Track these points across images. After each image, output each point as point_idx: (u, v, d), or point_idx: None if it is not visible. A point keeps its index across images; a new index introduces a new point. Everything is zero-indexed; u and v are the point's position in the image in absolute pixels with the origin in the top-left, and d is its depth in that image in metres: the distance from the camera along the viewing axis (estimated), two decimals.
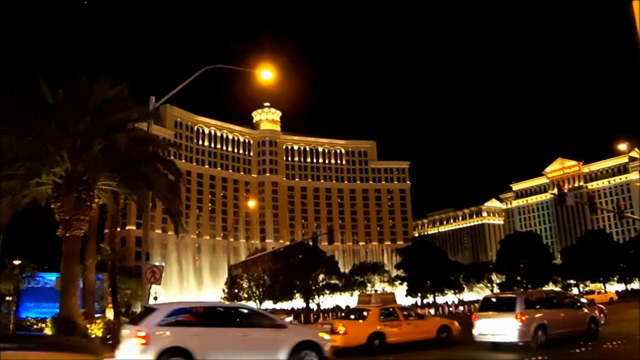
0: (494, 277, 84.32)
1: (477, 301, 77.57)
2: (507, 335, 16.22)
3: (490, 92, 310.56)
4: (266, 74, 21.49)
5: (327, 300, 73.75)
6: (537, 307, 17.06)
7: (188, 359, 10.44)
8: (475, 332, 17.37)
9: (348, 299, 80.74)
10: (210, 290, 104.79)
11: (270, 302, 69.36)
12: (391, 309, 18.96)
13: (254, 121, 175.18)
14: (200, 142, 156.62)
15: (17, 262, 54.97)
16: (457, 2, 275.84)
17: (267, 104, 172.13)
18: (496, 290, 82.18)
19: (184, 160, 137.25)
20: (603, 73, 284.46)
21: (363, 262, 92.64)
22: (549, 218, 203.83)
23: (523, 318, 16.01)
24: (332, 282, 73.52)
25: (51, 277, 34.08)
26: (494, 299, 19.41)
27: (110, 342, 17.46)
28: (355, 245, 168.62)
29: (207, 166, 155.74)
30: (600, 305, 25.86)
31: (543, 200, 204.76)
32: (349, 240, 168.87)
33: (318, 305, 70.93)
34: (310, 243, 66.14)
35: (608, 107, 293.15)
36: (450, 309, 73.64)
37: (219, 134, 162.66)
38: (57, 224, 18.46)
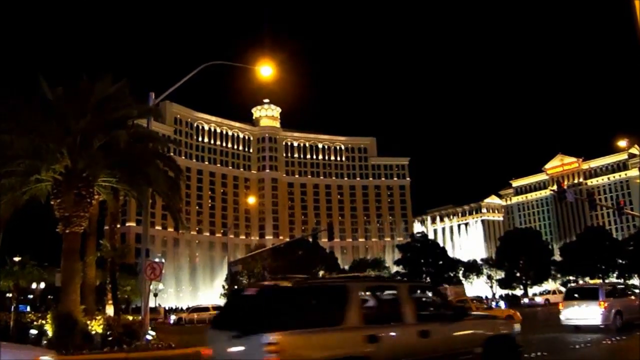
0: (493, 273, 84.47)
1: (476, 298, 78.03)
2: (591, 320, 18.93)
3: (490, 89, 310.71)
4: (266, 71, 21.45)
5: None
6: (613, 296, 19.77)
7: None
8: (562, 317, 20.12)
9: None
10: (210, 287, 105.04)
11: None
12: (465, 300, 21.07)
13: (253, 118, 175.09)
14: (200, 139, 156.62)
15: (17, 259, 55.04)
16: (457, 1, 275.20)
17: (266, 100, 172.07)
18: (496, 287, 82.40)
19: (183, 157, 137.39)
20: (603, 69, 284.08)
21: (362, 258, 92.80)
22: (549, 214, 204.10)
23: (606, 305, 18.86)
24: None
25: None
26: (577, 290, 22.74)
27: (110, 338, 17.50)
28: (355, 242, 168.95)
29: (207, 163, 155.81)
30: None
31: (543, 197, 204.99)
32: (348, 236, 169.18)
33: None
34: (310, 239, 66.31)
35: (608, 104, 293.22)
36: None
37: (218, 130, 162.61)
38: (56, 221, 18.48)
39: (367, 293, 8.34)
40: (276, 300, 7.41)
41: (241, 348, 7.05)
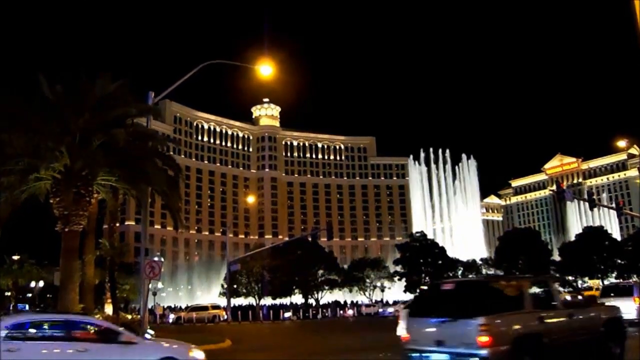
0: (492, 273, 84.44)
1: None
2: (627, 314, 21.64)
3: (489, 89, 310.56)
4: (266, 70, 21.47)
5: (327, 296, 73.86)
6: None
7: None
8: None
9: (347, 295, 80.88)
10: (208, 286, 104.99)
11: (270, 297, 69.47)
12: None
13: (253, 117, 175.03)
14: (200, 138, 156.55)
15: (15, 258, 54.84)
16: (456, 0, 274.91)
17: (266, 99, 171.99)
18: None
19: (183, 156, 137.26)
20: (602, 70, 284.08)
21: (362, 258, 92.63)
22: (548, 214, 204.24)
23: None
24: (331, 277, 73.62)
25: None
26: (613, 288, 24.67)
27: None
28: (354, 241, 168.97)
29: (206, 162, 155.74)
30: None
31: (542, 197, 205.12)
32: (348, 236, 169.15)
33: (317, 301, 71.03)
34: (309, 239, 66.19)
35: (607, 104, 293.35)
36: None
37: (218, 129, 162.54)
38: (55, 220, 18.46)
39: (533, 286, 10.75)
40: (475, 292, 10.09)
41: (454, 330, 9.14)
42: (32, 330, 9.37)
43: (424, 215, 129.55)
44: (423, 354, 9.70)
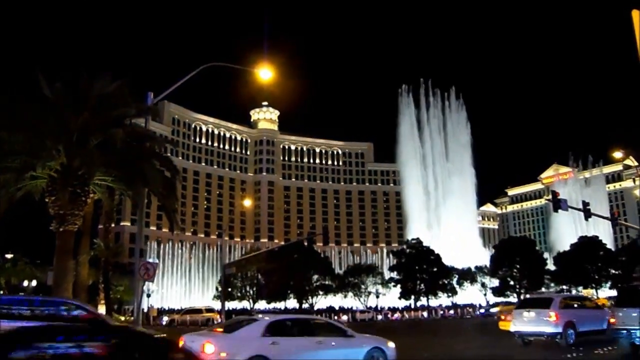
0: (487, 281, 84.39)
1: (469, 305, 77.93)
2: None
3: (486, 98, 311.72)
4: (265, 73, 21.50)
5: (321, 301, 73.60)
6: None
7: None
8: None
9: (342, 300, 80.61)
10: (203, 288, 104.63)
11: (264, 302, 69.17)
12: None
13: (251, 120, 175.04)
14: (198, 140, 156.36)
15: (9, 256, 54.43)
16: (454, 9, 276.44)
17: (265, 103, 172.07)
18: (489, 294, 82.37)
19: (180, 158, 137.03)
20: (601, 81, 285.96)
21: (357, 263, 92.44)
22: (543, 223, 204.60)
23: None
24: (326, 283, 73.34)
25: None
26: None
27: None
28: (350, 247, 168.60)
29: (203, 164, 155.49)
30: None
31: (537, 206, 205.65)
32: (344, 241, 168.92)
33: (312, 306, 70.77)
34: (305, 243, 66.04)
35: (605, 115, 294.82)
36: (442, 312, 73.64)
37: (216, 132, 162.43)
38: (50, 219, 18.37)
39: None
40: None
41: None
42: (284, 327, 12.30)
43: (420, 221, 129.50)
44: (631, 331, 14.84)
